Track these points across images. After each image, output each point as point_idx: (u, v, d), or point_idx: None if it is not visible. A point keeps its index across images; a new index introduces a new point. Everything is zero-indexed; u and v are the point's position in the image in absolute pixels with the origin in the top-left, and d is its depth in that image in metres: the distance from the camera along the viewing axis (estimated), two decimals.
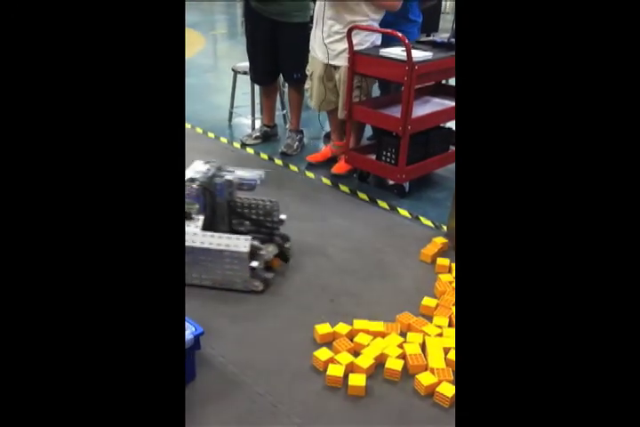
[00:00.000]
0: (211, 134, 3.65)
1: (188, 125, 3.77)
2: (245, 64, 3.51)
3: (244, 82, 3.70)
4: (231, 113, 3.89)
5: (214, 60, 6.11)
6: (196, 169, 2.20)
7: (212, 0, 8.66)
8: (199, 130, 3.72)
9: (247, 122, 3.81)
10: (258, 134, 3.53)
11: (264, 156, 3.35)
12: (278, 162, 3.27)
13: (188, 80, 4.85)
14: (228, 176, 2.20)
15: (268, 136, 3.54)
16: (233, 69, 3.72)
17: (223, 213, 2.23)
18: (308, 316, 1.95)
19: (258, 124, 3.68)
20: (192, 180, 2.11)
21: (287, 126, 3.58)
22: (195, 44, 6.32)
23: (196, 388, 1.64)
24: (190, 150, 3.26)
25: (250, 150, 3.42)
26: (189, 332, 1.58)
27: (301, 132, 3.45)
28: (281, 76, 3.33)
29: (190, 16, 7.67)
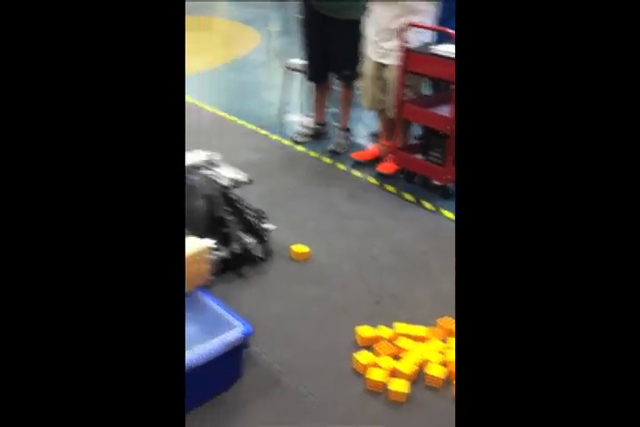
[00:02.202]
0: (262, 131, 3.71)
1: (241, 121, 3.85)
2: (298, 61, 3.53)
3: (297, 79, 3.73)
4: (282, 110, 3.93)
5: (268, 56, 6.16)
6: (190, 156, 2.30)
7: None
8: (251, 126, 3.78)
9: (298, 119, 3.85)
10: (309, 132, 3.56)
11: (313, 153, 3.38)
12: (327, 160, 3.29)
13: (241, 77, 4.95)
14: (207, 171, 2.25)
15: (318, 134, 3.57)
16: (286, 66, 3.76)
17: (197, 204, 2.24)
18: (350, 316, 1.97)
19: (309, 121, 3.70)
20: None
21: (336, 124, 3.59)
22: (250, 41, 6.40)
23: (241, 386, 1.69)
24: (241, 147, 3.37)
25: (300, 148, 3.46)
26: (239, 330, 1.62)
27: (350, 130, 3.46)
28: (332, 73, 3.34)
29: (245, 13, 7.77)
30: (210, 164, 2.32)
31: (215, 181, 2.22)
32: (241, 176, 2.29)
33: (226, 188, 2.24)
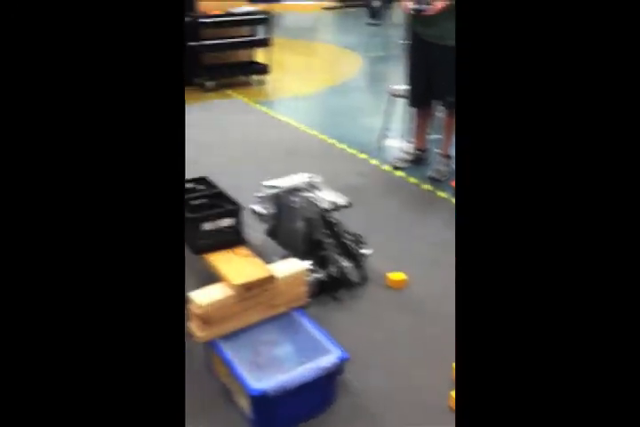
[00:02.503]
0: (362, 155, 3.73)
1: (341, 145, 3.90)
2: (401, 87, 3.54)
3: (399, 104, 3.74)
4: (383, 135, 3.94)
5: (369, 81, 6.24)
6: (292, 178, 2.37)
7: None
8: (352, 151, 3.82)
9: (399, 145, 3.84)
10: (409, 158, 3.53)
11: (413, 180, 3.34)
12: (426, 187, 3.24)
13: (342, 101, 5.04)
14: (308, 194, 2.28)
15: (418, 160, 3.54)
16: (388, 92, 3.78)
17: (298, 226, 2.29)
18: (447, 351, 1.89)
19: (410, 147, 3.68)
20: (273, 187, 2.30)
21: (438, 151, 3.54)
22: (352, 66, 6.52)
23: (333, 413, 1.67)
24: (340, 170, 3.40)
25: (400, 173, 3.44)
26: (335, 356, 1.61)
27: (451, 157, 3.39)
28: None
29: (347, 38, 7.95)
30: (311, 186, 2.36)
31: (315, 204, 2.25)
32: (341, 200, 2.31)
33: (326, 211, 2.27)
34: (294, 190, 2.32)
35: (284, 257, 2.16)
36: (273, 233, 2.42)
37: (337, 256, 2.30)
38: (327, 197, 2.30)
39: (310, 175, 2.42)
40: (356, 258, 2.30)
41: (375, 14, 8.98)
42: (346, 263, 2.26)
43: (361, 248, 2.33)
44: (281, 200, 2.34)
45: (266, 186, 2.37)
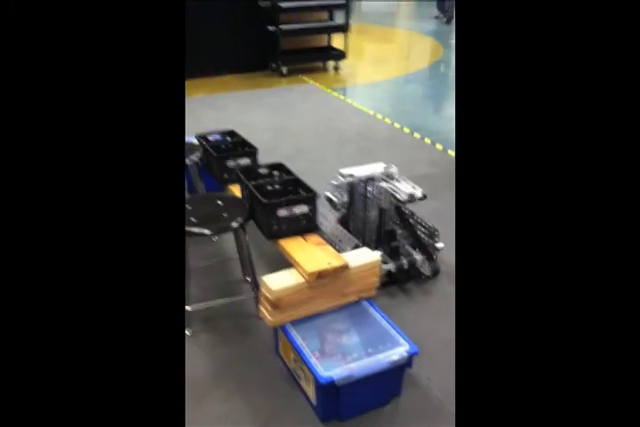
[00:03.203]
0: (439, 146, 3.64)
1: (417, 135, 3.81)
2: None
3: None
4: None
5: (450, 70, 6.07)
6: (368, 167, 2.33)
7: None
8: (427, 140, 3.73)
9: None
10: None
11: None
12: None
13: (419, 89, 4.91)
14: (384, 184, 2.23)
15: None
16: None
17: (371, 215, 2.29)
18: None
19: None
20: (349, 175, 2.28)
21: None
22: (432, 54, 6.36)
23: (399, 405, 1.66)
24: (415, 160, 3.33)
25: None
26: (404, 349, 1.60)
27: None
28: None
29: (428, 25, 7.75)
30: (387, 176, 2.32)
31: (391, 195, 2.22)
32: (417, 191, 2.26)
33: (400, 201, 2.23)
34: (370, 180, 2.30)
35: (354, 246, 2.15)
36: (344, 221, 2.41)
37: (409, 248, 2.26)
38: (403, 188, 2.26)
39: (386, 165, 2.38)
40: (428, 251, 2.26)
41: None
42: (418, 256, 2.22)
43: (434, 241, 2.28)
44: (355, 189, 2.32)
45: (342, 174, 2.36)
